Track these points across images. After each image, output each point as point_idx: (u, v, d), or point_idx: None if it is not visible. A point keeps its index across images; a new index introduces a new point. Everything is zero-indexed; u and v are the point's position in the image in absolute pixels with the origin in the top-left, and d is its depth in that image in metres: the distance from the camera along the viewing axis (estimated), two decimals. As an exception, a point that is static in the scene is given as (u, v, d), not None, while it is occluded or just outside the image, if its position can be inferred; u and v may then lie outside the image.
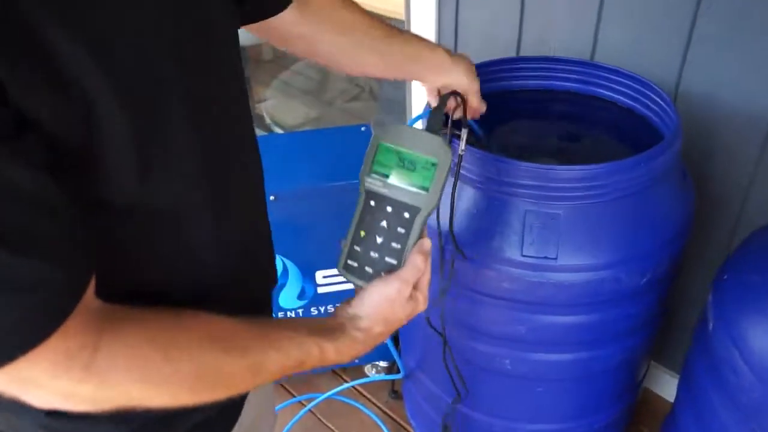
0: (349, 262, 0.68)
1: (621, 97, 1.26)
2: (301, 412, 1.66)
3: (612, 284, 1.04)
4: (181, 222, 0.54)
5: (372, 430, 1.62)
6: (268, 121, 2.94)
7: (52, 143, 0.41)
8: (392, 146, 0.67)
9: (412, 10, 1.71)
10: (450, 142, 0.67)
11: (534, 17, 1.48)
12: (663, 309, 1.22)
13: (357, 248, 0.68)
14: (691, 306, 1.46)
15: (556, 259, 1.01)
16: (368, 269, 0.67)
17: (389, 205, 0.66)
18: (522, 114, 1.30)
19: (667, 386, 1.60)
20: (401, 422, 1.64)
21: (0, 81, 0.38)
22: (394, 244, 0.66)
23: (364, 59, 0.86)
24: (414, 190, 0.65)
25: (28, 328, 0.41)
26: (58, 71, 0.40)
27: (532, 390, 1.23)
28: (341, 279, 1.60)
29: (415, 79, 0.95)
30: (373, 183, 0.67)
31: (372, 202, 0.67)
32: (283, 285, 1.57)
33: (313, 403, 1.67)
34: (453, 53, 0.93)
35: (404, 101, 1.98)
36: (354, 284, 0.69)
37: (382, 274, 0.66)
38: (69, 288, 0.44)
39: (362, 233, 0.67)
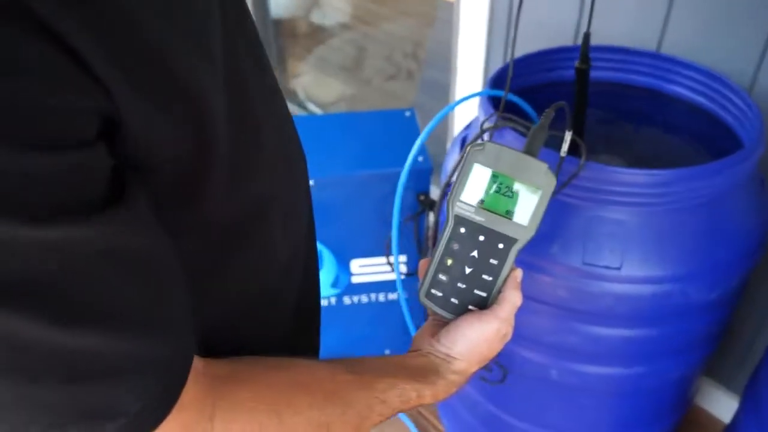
0: (433, 291, 0.63)
1: (693, 95, 1.16)
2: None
3: (678, 299, 0.96)
4: (264, 226, 0.50)
5: (400, 429, 1.57)
6: (302, 97, 2.87)
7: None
8: (490, 169, 0.61)
9: (464, -10, 1.61)
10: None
11: (597, 2, 1.38)
12: (727, 326, 1.14)
13: (442, 277, 0.62)
14: (754, 321, 1.37)
15: (619, 269, 0.93)
16: (454, 300, 0.62)
17: (482, 235, 0.60)
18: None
19: (717, 402, 1.52)
20: (432, 420, 1.58)
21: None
22: (485, 276, 0.61)
23: None
24: (512, 220, 0.60)
25: (150, 411, 0.38)
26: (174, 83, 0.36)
27: (577, 402, 1.17)
28: (377, 269, 1.54)
29: None
30: (465, 209, 0.61)
31: (462, 230, 0.61)
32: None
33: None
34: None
35: (448, 85, 1.90)
36: (436, 314, 0.64)
37: (470, 307, 0.62)
38: (183, 357, 0.40)
39: (449, 261, 0.62)
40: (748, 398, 1.12)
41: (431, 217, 1.47)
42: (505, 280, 0.61)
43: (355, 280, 1.55)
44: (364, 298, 1.59)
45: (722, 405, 1.50)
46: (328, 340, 1.58)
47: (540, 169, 0.60)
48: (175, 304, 0.40)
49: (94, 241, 0.33)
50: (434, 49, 2.46)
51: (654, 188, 0.90)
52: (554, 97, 1.14)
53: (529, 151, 0.63)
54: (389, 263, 1.49)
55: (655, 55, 1.18)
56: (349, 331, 1.66)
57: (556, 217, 0.95)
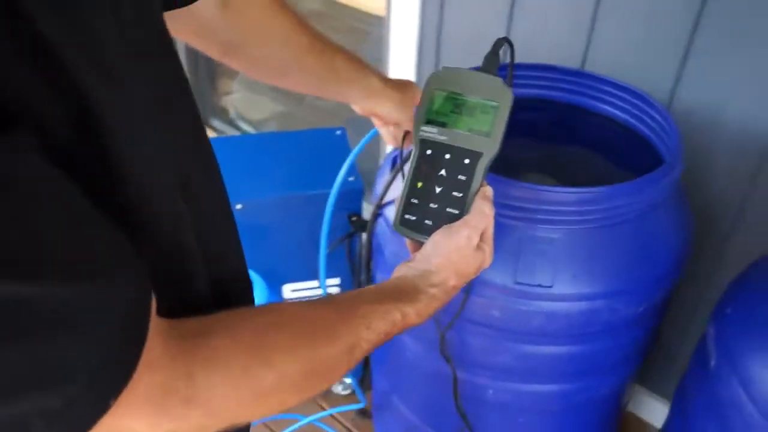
0: (407, 216, 0.64)
1: (615, 111, 1.18)
2: None
3: (608, 314, 0.96)
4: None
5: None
6: (232, 114, 2.81)
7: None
8: (448, 92, 0.64)
9: (393, 8, 1.61)
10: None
11: (523, 21, 1.40)
12: (655, 337, 1.15)
13: (414, 201, 0.64)
14: (680, 329, 1.40)
15: (551, 287, 0.93)
16: (428, 222, 0.64)
17: (448, 153, 0.63)
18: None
19: (646, 407, 1.55)
20: (369, 443, 1.55)
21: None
22: (455, 193, 0.63)
23: (291, 72, 0.75)
24: (474, 135, 0.63)
25: (113, 365, 0.34)
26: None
27: (513, 420, 1.16)
28: (311, 293, 1.50)
29: (345, 101, 0.84)
30: (429, 132, 0.64)
31: (428, 152, 0.64)
32: (248, 297, 1.46)
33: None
34: (394, 81, 0.81)
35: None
36: (413, 240, 0.65)
37: (444, 225, 0.63)
38: (137, 298, 0.36)
39: (419, 184, 0.64)
40: (677, 411, 1.14)
41: (364, 237, 1.45)
42: (475, 195, 0.62)
43: (288, 303, 1.51)
44: (299, 322, 1.55)
45: (652, 409, 1.53)
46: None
47: (496, 84, 0.63)
48: (106, 237, 0.35)
49: None
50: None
51: (581, 206, 0.90)
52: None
53: (485, 69, 0.66)
54: (322, 287, 1.45)
55: (580, 73, 1.20)
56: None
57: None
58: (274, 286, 1.47)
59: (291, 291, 1.49)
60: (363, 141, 1.07)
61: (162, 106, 0.44)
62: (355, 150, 1.07)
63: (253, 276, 1.44)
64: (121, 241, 0.36)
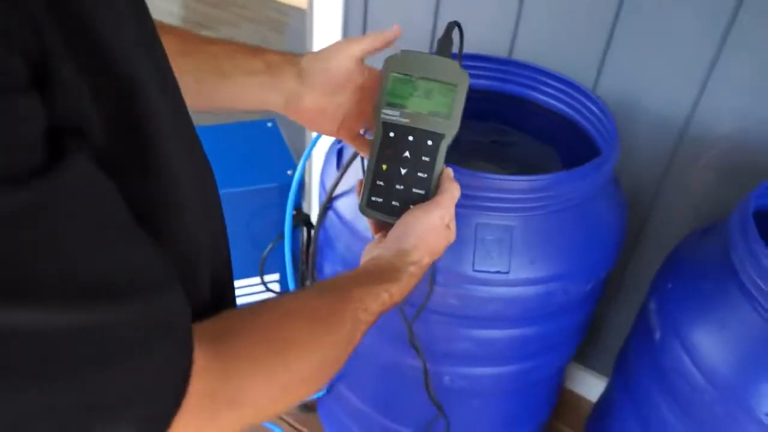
0: (373, 198, 0.66)
1: (546, 98, 1.23)
2: None
3: (561, 295, 1.00)
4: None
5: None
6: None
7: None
8: (406, 76, 0.66)
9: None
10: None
11: (450, 11, 1.42)
12: (594, 314, 1.22)
13: (380, 183, 0.66)
14: (613, 306, 1.48)
15: (508, 273, 0.96)
16: (395, 203, 0.66)
17: (410, 135, 0.65)
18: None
19: (579, 381, 1.63)
20: (316, 436, 1.54)
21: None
22: (420, 174, 0.65)
23: None
24: (435, 116, 0.64)
25: (171, 380, 0.34)
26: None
27: (468, 404, 1.19)
28: (252, 290, 1.47)
29: (237, 108, 0.69)
30: (390, 115, 0.66)
31: (391, 134, 0.66)
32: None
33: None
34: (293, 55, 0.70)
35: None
36: (380, 221, 0.67)
37: (411, 206, 0.65)
38: (185, 313, 0.36)
39: (384, 167, 0.66)
40: (618, 377, 1.20)
41: (305, 232, 1.43)
42: (440, 176, 0.65)
43: (227, 303, 1.47)
44: (237, 321, 1.51)
45: (583, 383, 1.62)
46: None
47: (453, 67, 0.65)
48: (143, 251, 0.34)
49: (46, 205, 0.27)
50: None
51: (536, 193, 0.93)
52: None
53: (441, 52, 0.67)
54: (264, 283, 1.43)
55: (516, 63, 1.23)
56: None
57: (444, 227, 0.96)
58: (212, 287, 1.42)
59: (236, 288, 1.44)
60: (312, 142, 1.06)
61: (170, 96, 0.42)
62: (310, 146, 1.05)
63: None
64: (160, 252, 0.35)
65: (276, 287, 1.48)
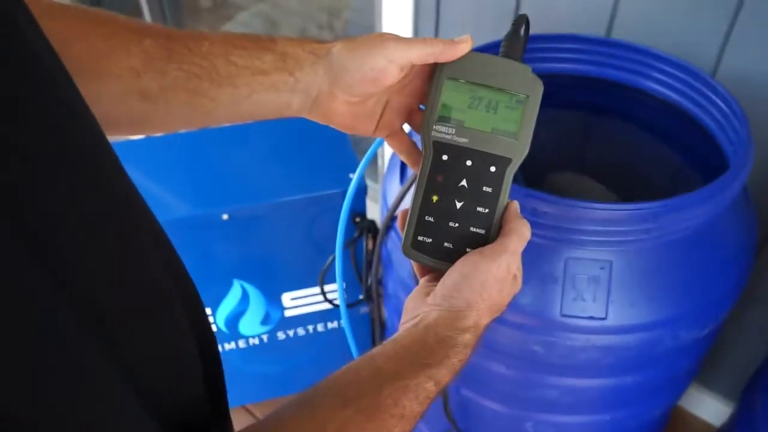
0: (420, 238, 0.53)
1: (655, 85, 1.02)
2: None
3: (669, 342, 0.83)
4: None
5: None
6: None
7: None
8: (465, 82, 0.51)
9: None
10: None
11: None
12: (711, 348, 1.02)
13: (429, 219, 0.53)
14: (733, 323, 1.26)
15: (605, 318, 0.79)
16: (447, 245, 0.52)
17: (469, 159, 0.52)
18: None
19: (700, 404, 1.43)
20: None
21: None
22: (480, 209, 0.52)
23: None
24: (500, 136, 0.51)
25: None
26: None
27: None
28: (312, 300, 1.36)
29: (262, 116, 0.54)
30: (443, 133, 0.52)
31: (444, 157, 0.52)
32: (243, 312, 1.32)
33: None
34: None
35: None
36: (428, 266, 0.54)
37: (467, 249, 0.52)
38: None
39: (435, 198, 0.52)
40: (743, 413, 1.02)
41: (369, 239, 1.29)
42: (504, 212, 0.52)
43: (288, 313, 1.36)
44: (301, 331, 1.41)
45: (705, 406, 1.42)
46: (266, 371, 1.41)
47: (524, 72, 0.52)
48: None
49: None
50: (355, 19, 2.25)
51: (639, 224, 0.75)
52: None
53: (508, 54, 0.53)
54: (323, 293, 1.31)
55: (624, 45, 1.02)
56: (287, 363, 1.48)
57: (526, 261, 0.79)
58: (273, 297, 1.32)
59: (290, 300, 1.34)
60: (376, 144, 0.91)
61: None
62: (372, 148, 0.92)
63: (249, 288, 1.29)
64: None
65: (336, 298, 1.37)
